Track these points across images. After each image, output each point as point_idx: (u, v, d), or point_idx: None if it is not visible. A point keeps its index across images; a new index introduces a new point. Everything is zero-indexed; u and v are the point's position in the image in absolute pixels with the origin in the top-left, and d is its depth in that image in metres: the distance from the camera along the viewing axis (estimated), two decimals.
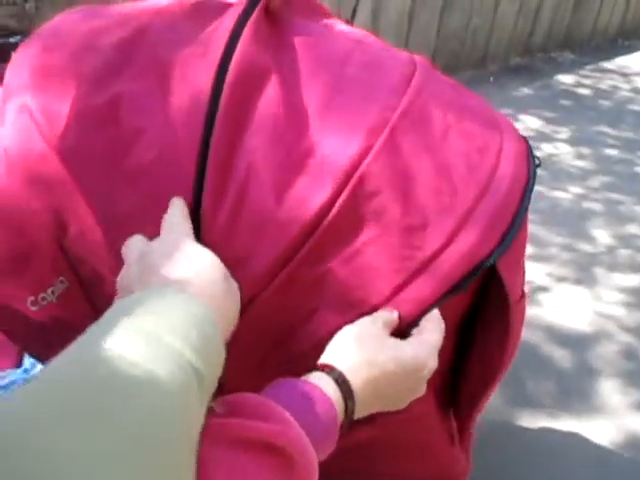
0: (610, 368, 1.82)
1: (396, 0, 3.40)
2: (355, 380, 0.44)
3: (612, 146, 3.42)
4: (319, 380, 0.43)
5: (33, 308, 0.53)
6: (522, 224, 0.53)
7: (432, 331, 0.48)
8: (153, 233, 0.42)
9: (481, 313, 0.59)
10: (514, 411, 1.64)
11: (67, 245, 0.48)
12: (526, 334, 1.89)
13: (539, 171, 2.46)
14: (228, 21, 0.46)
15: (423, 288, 0.47)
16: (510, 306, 0.53)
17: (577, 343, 1.91)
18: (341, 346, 0.46)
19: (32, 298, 0.53)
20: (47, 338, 0.54)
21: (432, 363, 0.48)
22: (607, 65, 5.08)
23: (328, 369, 0.45)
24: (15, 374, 0.74)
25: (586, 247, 2.43)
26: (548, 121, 3.67)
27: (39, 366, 0.75)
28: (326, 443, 0.42)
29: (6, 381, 0.73)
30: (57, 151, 0.44)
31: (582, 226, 2.58)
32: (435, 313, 0.48)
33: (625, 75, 4.87)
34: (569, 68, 4.83)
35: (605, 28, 5.67)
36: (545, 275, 2.23)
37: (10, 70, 0.47)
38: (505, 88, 4.16)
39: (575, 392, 1.72)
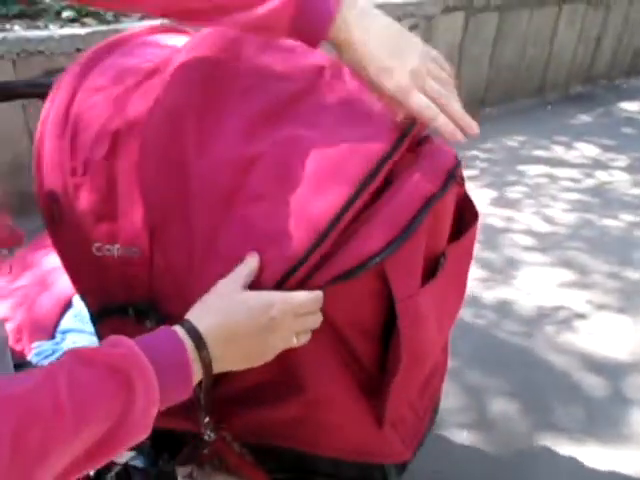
0: None
1: (446, 33, 3.49)
2: (208, 329, 0.53)
3: None
4: (173, 329, 0.53)
5: (96, 253, 0.63)
6: (417, 232, 0.59)
7: (299, 294, 0.56)
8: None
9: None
10: (538, 435, 1.63)
11: (156, 231, 0.60)
12: (558, 360, 1.90)
13: (589, 198, 2.48)
14: None
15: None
16: (396, 302, 0.60)
17: (612, 371, 1.87)
18: (199, 304, 0.56)
19: (98, 244, 0.63)
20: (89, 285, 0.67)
21: (282, 307, 0.55)
22: None
23: (182, 321, 0.54)
24: (47, 344, 0.89)
25: (633, 276, 2.37)
26: (605, 149, 3.59)
27: (68, 337, 0.90)
28: (177, 377, 0.50)
29: (39, 349, 0.88)
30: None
31: (630, 255, 2.51)
32: (317, 292, 0.56)
33: None
34: (633, 95, 4.69)
35: None
36: (585, 302, 2.20)
37: None
38: (563, 116, 4.11)
39: (604, 419, 1.69)
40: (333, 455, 0.73)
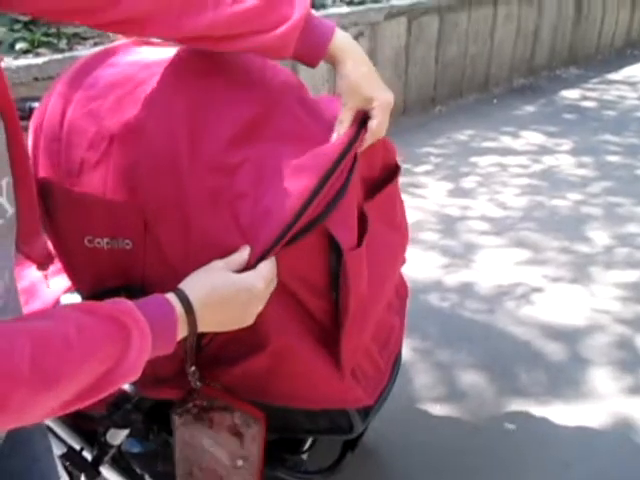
0: (602, 358, 1.91)
1: (391, 38, 3.66)
2: (197, 298, 0.62)
3: (614, 153, 3.51)
4: (166, 295, 0.61)
5: (88, 245, 0.70)
6: (346, 192, 0.70)
7: (263, 267, 0.66)
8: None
9: None
10: (506, 401, 1.75)
11: (149, 225, 0.67)
12: (519, 331, 2.04)
13: (538, 182, 2.65)
14: None
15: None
16: (342, 253, 0.70)
17: (570, 337, 2.00)
18: (192, 277, 0.65)
19: (90, 237, 0.69)
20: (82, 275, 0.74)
21: (259, 285, 0.66)
22: (614, 76, 5.17)
23: (176, 289, 0.63)
24: None
25: (583, 249, 2.53)
26: (550, 135, 3.80)
27: None
28: (166, 332, 0.59)
29: None
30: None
31: (580, 230, 2.68)
32: (273, 259, 0.67)
33: (632, 84, 4.95)
34: (574, 83, 4.95)
35: (610, 41, 5.78)
36: (541, 277, 2.34)
37: None
38: (509, 108, 4.32)
39: (565, 381, 1.82)
40: (304, 405, 0.82)
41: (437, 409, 1.73)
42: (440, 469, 1.53)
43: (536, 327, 2.06)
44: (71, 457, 0.97)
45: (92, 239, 0.71)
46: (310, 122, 0.74)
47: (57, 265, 1.12)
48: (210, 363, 0.75)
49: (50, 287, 1.06)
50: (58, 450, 0.97)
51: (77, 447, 0.99)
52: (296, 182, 0.67)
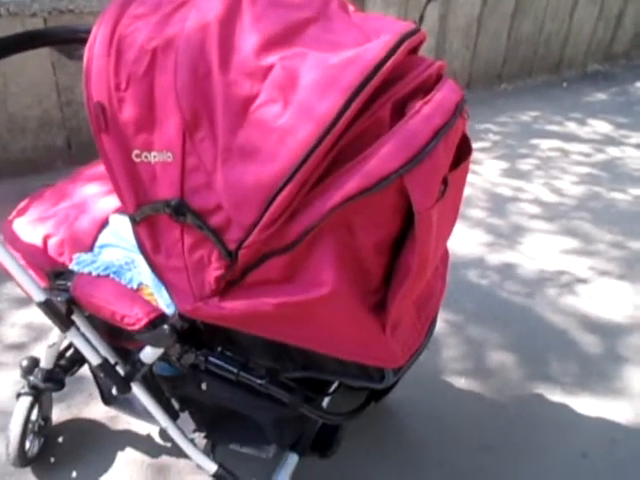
0: (638, 357, 1.86)
1: (464, 6, 3.52)
2: None
3: None
4: None
5: (135, 159, 0.73)
6: (434, 155, 0.69)
7: None
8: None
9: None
10: (532, 385, 1.72)
11: (192, 139, 0.69)
12: (556, 319, 2.00)
13: (599, 172, 2.56)
14: None
15: (351, 184, 0.66)
16: (416, 214, 0.70)
17: (608, 332, 1.95)
18: None
19: (138, 152, 0.73)
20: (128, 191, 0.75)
21: None
22: None
23: None
24: (87, 255, 1.00)
25: (636, 245, 2.44)
26: (618, 126, 3.63)
27: (104, 251, 1.00)
28: None
29: (79, 259, 0.99)
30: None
31: (635, 226, 2.57)
32: None
33: None
34: None
35: None
36: (587, 268, 2.27)
37: None
38: (578, 93, 4.14)
39: (597, 374, 1.78)
40: (338, 354, 0.83)
41: (462, 382, 1.72)
42: (456, 441, 1.53)
43: (575, 317, 2.01)
44: (106, 369, 1.01)
45: (139, 153, 0.74)
46: (351, 33, 0.72)
47: (109, 186, 1.16)
48: (251, 290, 0.76)
49: (100, 205, 1.10)
50: (95, 360, 1.01)
51: (112, 361, 1.03)
52: (324, 99, 0.66)
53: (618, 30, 4.66)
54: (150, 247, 0.80)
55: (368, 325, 0.78)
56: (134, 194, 0.77)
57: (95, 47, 0.75)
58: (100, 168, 1.24)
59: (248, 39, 0.71)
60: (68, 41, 1.10)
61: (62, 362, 1.26)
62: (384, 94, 0.70)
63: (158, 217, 0.76)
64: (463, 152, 0.85)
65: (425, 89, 0.76)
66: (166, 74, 0.71)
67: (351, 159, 0.68)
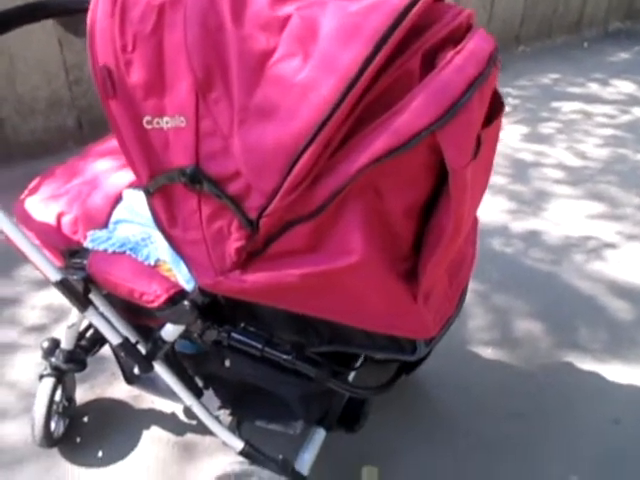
0: None
1: None
2: None
3: None
4: None
5: (146, 126, 0.69)
6: (468, 109, 0.63)
7: None
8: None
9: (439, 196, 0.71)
10: (560, 353, 1.68)
11: (205, 100, 0.65)
12: (584, 285, 1.94)
13: (624, 134, 2.46)
14: None
15: (379, 143, 0.61)
16: (450, 172, 0.65)
17: (638, 297, 1.89)
18: None
19: (149, 118, 0.69)
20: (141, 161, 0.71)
21: None
22: None
23: None
24: (102, 232, 0.96)
25: None
26: None
27: (119, 227, 0.97)
28: None
29: (94, 236, 0.96)
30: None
31: None
32: None
33: None
34: None
35: None
36: (615, 233, 2.20)
37: None
38: (600, 53, 3.99)
39: (628, 341, 1.73)
40: (366, 326, 0.79)
41: (489, 352, 1.68)
42: (483, 410, 1.50)
43: (603, 283, 1.95)
44: (127, 348, 0.99)
45: (151, 119, 0.70)
46: None
47: (121, 161, 1.12)
48: (275, 261, 0.72)
49: (113, 180, 1.07)
50: (116, 340, 0.99)
51: (133, 340, 1.00)
52: (348, 49, 0.61)
53: None
54: (166, 220, 0.76)
55: (399, 294, 0.74)
56: (147, 163, 0.73)
57: (98, 7, 0.70)
58: (111, 143, 1.20)
59: None
60: (72, 11, 1.04)
61: (83, 342, 1.24)
62: (412, 43, 0.65)
63: (173, 187, 0.72)
64: (495, 108, 0.79)
65: (455, 39, 0.70)
66: (175, 31, 0.66)
67: (378, 116, 0.63)
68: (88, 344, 1.25)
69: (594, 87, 3.47)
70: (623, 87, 3.47)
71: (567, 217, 2.28)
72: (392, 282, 0.73)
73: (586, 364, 1.65)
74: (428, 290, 0.77)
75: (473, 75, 0.65)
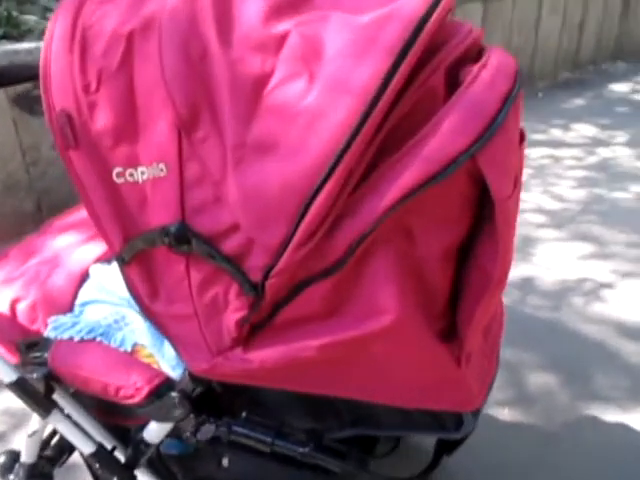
0: None
1: None
2: None
3: None
4: None
5: (117, 180, 0.57)
6: (507, 127, 0.54)
7: None
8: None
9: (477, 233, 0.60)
10: (582, 406, 1.55)
11: (190, 141, 0.53)
12: (589, 330, 1.82)
13: (595, 174, 2.42)
14: None
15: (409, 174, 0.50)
16: (495, 203, 0.54)
17: None
18: None
19: (120, 169, 0.57)
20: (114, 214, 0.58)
21: None
22: None
23: None
24: (65, 317, 0.80)
25: None
26: (603, 127, 3.57)
27: (87, 309, 0.81)
28: None
29: (57, 323, 0.80)
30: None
31: None
32: None
33: None
34: (622, 77, 4.70)
35: None
36: (609, 272, 2.13)
37: None
38: (556, 101, 4.10)
39: None
40: (402, 403, 0.65)
41: (505, 413, 1.53)
42: None
43: (609, 325, 1.85)
44: (102, 457, 0.81)
45: (122, 171, 0.57)
46: None
47: (86, 233, 0.98)
48: (285, 332, 0.58)
49: (77, 256, 0.92)
50: (88, 449, 0.81)
51: (109, 446, 0.83)
52: (363, 64, 0.51)
53: (582, 38, 4.70)
54: (146, 293, 0.62)
55: (439, 359, 0.61)
56: (120, 226, 0.59)
57: (53, 43, 0.58)
58: (74, 216, 1.07)
59: (250, 6, 0.55)
60: (24, 79, 0.94)
61: (47, 452, 1.05)
62: (432, 59, 0.55)
63: (154, 252, 0.59)
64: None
65: (472, 57, 0.61)
66: (148, 64, 0.55)
67: (404, 142, 0.51)
68: (54, 453, 1.06)
69: (557, 133, 3.53)
70: (584, 130, 3.54)
71: (557, 261, 2.21)
72: (431, 345, 0.60)
73: (609, 415, 1.51)
74: (470, 351, 0.64)
75: (505, 91, 0.55)
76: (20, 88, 2.38)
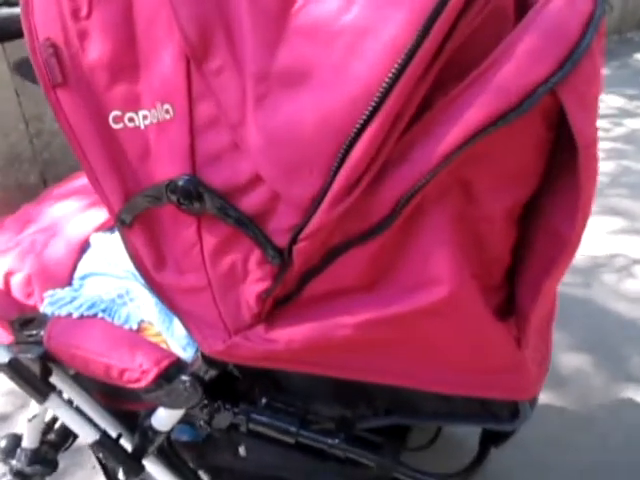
0: None
1: None
2: None
3: None
4: None
5: (114, 126, 0.47)
6: (588, 53, 0.44)
7: None
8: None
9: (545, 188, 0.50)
10: (619, 388, 1.46)
11: (202, 73, 0.43)
12: (623, 307, 1.72)
13: (623, 146, 2.27)
14: None
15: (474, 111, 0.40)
16: (580, 149, 0.44)
17: None
18: None
19: (118, 113, 0.47)
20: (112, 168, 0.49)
21: None
22: None
23: None
24: (63, 292, 0.72)
25: None
26: (630, 98, 3.43)
27: (87, 282, 0.73)
28: None
29: (54, 298, 0.72)
30: None
31: None
32: None
33: None
34: None
35: None
36: None
37: None
38: None
39: None
40: (453, 391, 0.55)
41: (540, 397, 1.44)
42: (546, 467, 1.25)
43: None
44: (107, 445, 0.73)
45: (121, 115, 0.47)
46: None
47: (87, 200, 0.89)
48: (316, 307, 0.49)
49: (77, 224, 0.83)
50: (90, 437, 0.73)
51: (113, 434, 0.75)
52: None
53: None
54: (151, 261, 0.52)
55: (498, 340, 0.51)
56: (118, 181, 0.50)
57: None
58: (74, 183, 0.97)
59: None
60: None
61: (51, 437, 0.98)
62: None
63: (159, 212, 0.49)
64: None
65: None
66: None
67: (467, 71, 0.41)
68: (58, 438, 0.98)
69: None
70: (611, 101, 3.39)
71: (586, 235, 2.08)
72: (488, 322, 0.50)
73: None
74: (533, 332, 0.54)
75: (587, 12, 0.44)
76: (22, 54, 2.29)
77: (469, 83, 0.41)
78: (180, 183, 0.46)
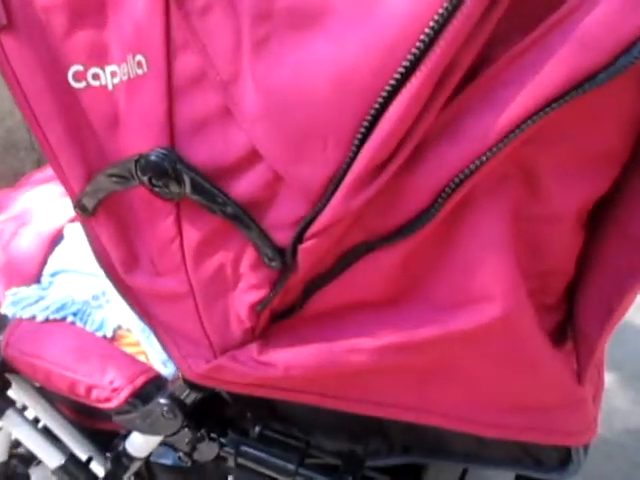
0: None
1: None
2: None
3: None
4: None
5: (75, 84, 0.38)
6: None
7: None
8: None
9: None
10: None
11: (184, 13, 0.33)
12: None
13: None
14: None
15: (541, 72, 0.29)
16: None
17: None
18: None
19: (79, 68, 0.37)
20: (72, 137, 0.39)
21: None
22: None
23: None
24: (28, 290, 0.62)
25: None
26: None
27: (57, 280, 0.63)
28: None
29: (17, 297, 0.61)
30: None
31: None
32: None
33: None
34: None
35: None
36: None
37: None
38: None
39: None
40: (493, 434, 0.44)
41: None
42: None
43: None
44: (71, 471, 0.63)
45: (82, 71, 0.37)
46: None
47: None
48: (324, 325, 0.38)
49: (51, 212, 0.73)
50: (54, 461, 0.63)
51: (83, 456, 0.64)
52: None
53: None
54: (119, 259, 0.42)
55: (555, 372, 0.40)
56: (79, 156, 0.39)
57: None
58: None
59: None
60: None
61: (20, 450, 0.88)
62: None
63: (129, 196, 0.39)
64: None
65: None
66: None
67: (536, 21, 0.30)
68: (28, 452, 0.89)
69: None
70: None
71: None
72: (545, 351, 0.39)
73: None
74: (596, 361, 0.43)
75: None
76: None
77: (542, 33, 0.30)
78: (152, 158, 0.35)
